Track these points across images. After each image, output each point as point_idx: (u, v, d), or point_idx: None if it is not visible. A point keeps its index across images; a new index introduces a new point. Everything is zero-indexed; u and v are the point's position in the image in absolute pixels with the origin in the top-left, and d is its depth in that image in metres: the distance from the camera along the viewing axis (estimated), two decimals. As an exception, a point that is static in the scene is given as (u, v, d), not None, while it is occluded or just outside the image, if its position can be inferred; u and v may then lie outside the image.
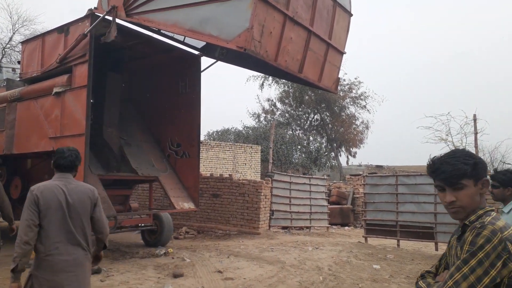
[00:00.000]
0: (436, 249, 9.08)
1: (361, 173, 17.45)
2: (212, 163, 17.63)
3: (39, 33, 9.31)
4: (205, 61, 9.08)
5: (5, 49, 21.55)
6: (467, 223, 1.60)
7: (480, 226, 1.51)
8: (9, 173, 8.59)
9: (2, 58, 20.98)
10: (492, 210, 1.62)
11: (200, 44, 8.76)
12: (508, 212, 2.97)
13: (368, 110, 30.62)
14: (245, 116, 78.20)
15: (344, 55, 7.80)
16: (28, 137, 7.70)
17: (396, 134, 68.68)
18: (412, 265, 7.43)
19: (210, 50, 8.70)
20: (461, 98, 68.97)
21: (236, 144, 20.08)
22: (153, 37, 8.01)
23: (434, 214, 9.11)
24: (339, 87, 30.32)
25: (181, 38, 8.38)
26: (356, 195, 16.50)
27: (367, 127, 31.54)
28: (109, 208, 7.05)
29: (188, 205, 8.55)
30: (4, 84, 9.06)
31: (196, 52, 8.83)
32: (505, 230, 1.50)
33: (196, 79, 8.95)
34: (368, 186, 10.41)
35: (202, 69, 8.99)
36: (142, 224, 8.75)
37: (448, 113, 16.78)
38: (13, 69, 9.63)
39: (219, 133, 28.00)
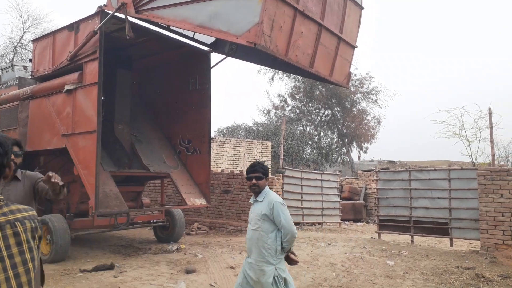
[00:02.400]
0: (451, 245, 8.93)
1: (373, 168, 17.28)
2: (222, 160, 17.62)
3: (49, 31, 9.36)
4: (214, 57, 9.06)
5: (16, 48, 21.77)
6: None
7: None
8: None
9: (13, 56, 21.20)
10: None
11: (209, 40, 8.72)
12: (262, 200, 3.35)
13: (379, 105, 30.34)
14: (255, 112, 78.14)
15: (355, 49, 7.70)
16: (41, 134, 7.77)
17: (408, 129, 67.95)
18: (427, 261, 7.31)
19: (220, 46, 8.65)
20: (475, 93, 67.92)
21: (246, 140, 20.04)
22: (163, 34, 8.00)
23: (449, 209, 8.96)
24: (350, 82, 30.14)
25: (190, 34, 8.35)
26: (369, 190, 16.35)
27: (378, 122, 31.26)
28: (121, 205, 7.08)
29: (199, 201, 8.55)
30: (17, 82, 9.14)
31: (206, 48, 8.79)
32: None
33: (206, 75, 8.92)
34: (381, 182, 10.29)
35: (212, 65, 8.96)
36: (154, 220, 8.79)
37: (463, 107, 16.51)
38: (25, 68, 9.71)
39: (229, 129, 27.99)
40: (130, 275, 6.02)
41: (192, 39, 8.51)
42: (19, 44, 21.87)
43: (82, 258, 7.16)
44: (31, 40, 9.21)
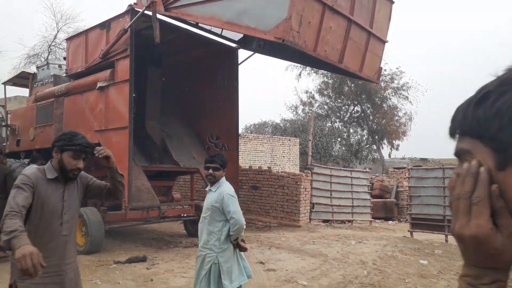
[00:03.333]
0: (488, 244, 8.60)
1: (405, 166, 16.86)
2: (250, 156, 17.64)
3: (81, 30, 9.63)
4: (242, 53, 9.06)
5: (51, 47, 22.48)
6: None
7: None
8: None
9: (48, 55, 21.90)
10: None
11: (237, 36, 8.73)
12: (215, 191, 3.51)
13: (410, 102, 29.52)
14: (283, 108, 77.78)
15: (386, 44, 7.51)
16: (75, 130, 7.98)
17: (441, 125, 65.76)
18: (462, 261, 7.06)
19: (248, 42, 8.65)
20: None
21: (274, 136, 19.98)
22: (191, 31, 8.07)
23: (486, 207, 8.62)
24: (380, 78, 29.50)
25: (218, 31, 8.39)
26: (400, 188, 15.97)
27: (410, 119, 30.39)
28: (153, 198, 7.21)
29: (228, 197, 8.59)
30: (52, 80, 9.46)
31: (234, 45, 8.81)
32: None
33: (234, 72, 8.94)
34: (413, 179, 10.02)
35: (239, 61, 8.97)
36: (185, 215, 8.90)
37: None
38: (59, 66, 10.03)
39: (256, 126, 27.96)
40: (162, 267, 6.12)
41: (220, 36, 8.54)
42: (53, 43, 22.60)
43: (115, 250, 7.34)
44: (65, 39, 9.54)
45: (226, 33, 8.55)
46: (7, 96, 11.52)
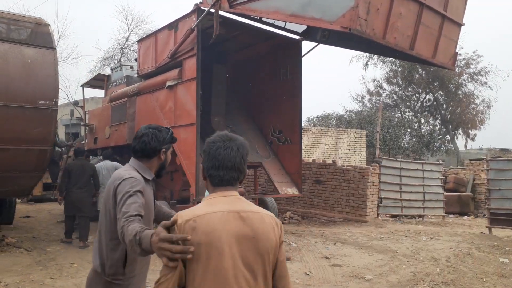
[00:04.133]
0: None
1: (483, 157, 15.66)
2: (313, 149, 17.44)
3: (151, 32, 10.12)
4: (306, 45, 8.94)
5: (123, 49, 23.91)
6: None
7: None
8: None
9: (121, 57, 23.31)
10: None
11: (300, 28, 8.64)
12: None
13: (489, 87, 27.23)
14: (347, 99, 75.75)
15: (462, 27, 7.00)
16: (147, 128, 8.46)
17: (525, 112, 60.07)
18: (551, 262, 6.45)
19: (312, 33, 8.52)
20: None
21: (338, 129, 19.52)
22: (255, 26, 8.13)
23: None
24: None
25: (281, 24, 8.37)
26: (477, 181, 14.86)
27: (488, 106, 28.10)
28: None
29: (291, 191, 8.61)
30: (125, 80, 10.09)
31: (297, 37, 8.74)
32: None
33: (297, 64, 8.87)
34: (492, 172, 9.28)
35: (303, 53, 8.88)
36: (249, 209, 9.07)
37: None
38: (131, 67, 10.65)
39: (320, 118, 27.51)
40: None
41: (283, 28, 8.51)
42: (125, 45, 24.02)
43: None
44: (136, 41, 10.06)
45: (289, 25, 8.50)
46: (85, 97, 12.52)
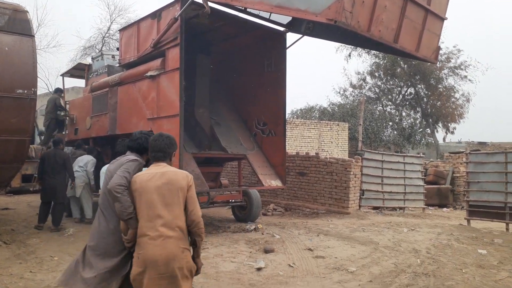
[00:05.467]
0: (556, 235, 8.01)
1: (462, 150, 16.02)
2: (297, 142, 17.49)
3: (133, 21, 9.90)
4: (290, 37, 8.90)
5: (105, 38, 23.41)
6: None
7: None
8: (113, 155, 9.45)
9: (102, 46, 22.82)
10: None
11: (285, 20, 8.59)
12: None
13: (470, 80, 27.73)
14: (331, 93, 76.10)
15: (445, 21, 7.07)
16: (129, 118, 8.32)
17: (502, 106, 61.58)
18: (526, 252, 6.64)
19: (296, 25, 8.49)
20: None
21: (321, 122, 19.61)
22: (239, 17, 8.04)
23: (554, 196, 8.01)
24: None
25: (266, 15, 8.30)
26: (456, 174, 15.22)
27: (467, 100, 28.66)
28: (203, 185, 7.38)
29: (275, 183, 8.62)
30: (106, 70, 9.87)
31: (282, 29, 8.68)
32: None
33: (281, 56, 8.83)
34: (471, 165, 9.49)
35: (287, 45, 8.83)
36: (233, 200, 9.05)
37: None
38: (113, 56, 10.42)
39: (303, 111, 27.58)
40: (212, 252, 6.29)
41: (268, 20, 8.45)
42: (107, 35, 23.51)
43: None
44: (118, 30, 9.82)
45: (274, 17, 8.44)
46: (65, 87, 12.21)
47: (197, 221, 2.73)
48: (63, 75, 12.33)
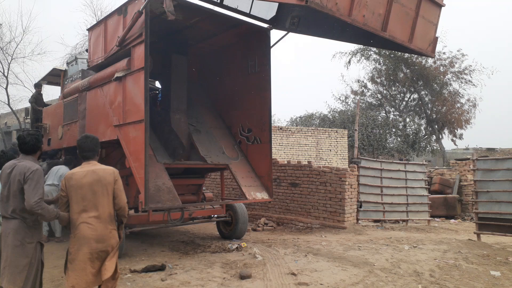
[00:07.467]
0: None
1: (469, 157, 15.01)
2: (293, 150, 16.53)
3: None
4: (274, 35, 8.11)
5: (86, 43, 22.71)
6: None
7: None
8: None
9: (80, 51, 22.14)
10: None
11: (268, 15, 7.83)
12: None
13: (474, 85, 26.71)
14: (331, 99, 75.31)
15: (442, 8, 6.23)
16: (97, 126, 7.50)
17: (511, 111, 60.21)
18: (547, 274, 5.68)
19: (280, 20, 7.72)
20: None
21: (319, 129, 18.66)
22: (216, 11, 7.27)
23: None
24: (438, 62, 27.00)
25: (246, 9, 7.54)
26: (464, 182, 14.20)
27: (474, 105, 27.61)
28: (174, 199, 6.50)
29: (261, 195, 7.72)
30: (80, 75, 9.08)
31: (265, 25, 7.90)
32: None
33: (266, 55, 8.00)
34: (479, 172, 8.53)
35: (272, 44, 8.02)
36: (215, 215, 8.18)
37: None
38: (88, 60, 9.67)
39: (303, 118, 26.67)
40: (179, 278, 5.42)
41: (249, 15, 7.68)
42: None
43: (137, 256, 6.77)
44: (87, 29, 9.01)
45: (256, 11, 7.68)
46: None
47: (122, 207, 3.58)
48: (36, 84, 11.62)
